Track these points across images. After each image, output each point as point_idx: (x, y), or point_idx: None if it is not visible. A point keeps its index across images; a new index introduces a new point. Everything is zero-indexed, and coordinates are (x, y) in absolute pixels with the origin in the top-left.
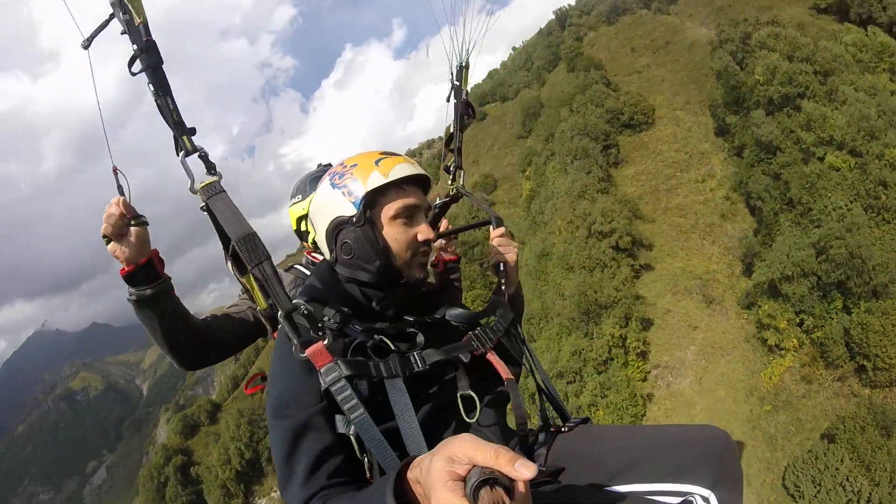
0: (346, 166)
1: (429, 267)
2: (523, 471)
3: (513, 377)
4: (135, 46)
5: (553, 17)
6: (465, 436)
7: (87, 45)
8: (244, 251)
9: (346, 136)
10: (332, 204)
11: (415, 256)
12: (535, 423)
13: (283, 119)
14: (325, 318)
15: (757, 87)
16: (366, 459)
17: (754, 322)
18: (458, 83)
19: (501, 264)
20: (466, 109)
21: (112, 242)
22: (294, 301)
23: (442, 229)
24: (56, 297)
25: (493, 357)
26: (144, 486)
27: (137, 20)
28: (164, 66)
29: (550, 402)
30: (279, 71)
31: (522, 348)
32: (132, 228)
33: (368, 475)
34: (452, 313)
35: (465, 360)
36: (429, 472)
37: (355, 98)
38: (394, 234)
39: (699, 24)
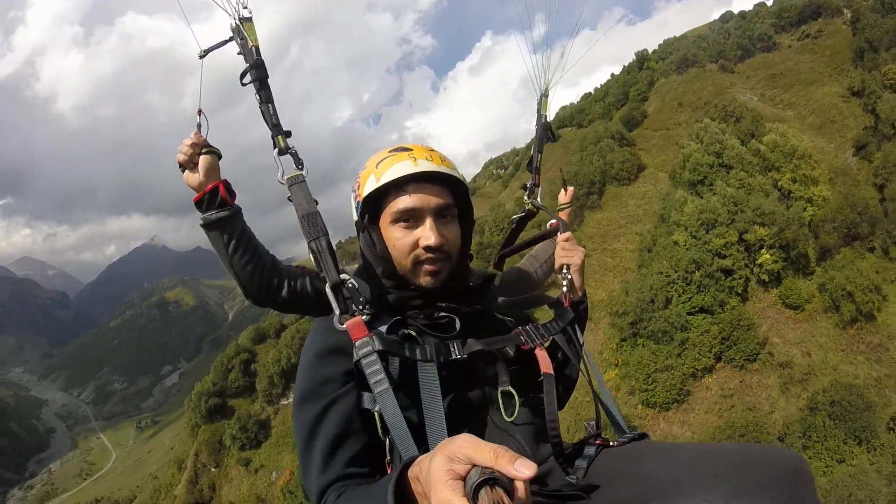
0: (365, 167)
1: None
2: (523, 470)
3: (552, 373)
4: (246, 63)
5: (634, 57)
6: (464, 436)
7: (202, 55)
8: (305, 226)
9: (470, 121)
10: (352, 207)
11: (417, 264)
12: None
13: (413, 94)
14: (364, 298)
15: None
16: (387, 440)
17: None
18: (539, 109)
19: (565, 267)
20: (546, 133)
21: (186, 171)
22: (342, 275)
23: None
24: (170, 218)
25: (540, 352)
26: (215, 368)
27: (251, 44)
28: (268, 80)
29: (606, 413)
30: (417, 48)
31: (580, 352)
32: (201, 157)
33: (389, 457)
34: (496, 303)
35: (510, 352)
36: (429, 472)
37: (485, 86)
38: (392, 239)
39: (749, 88)
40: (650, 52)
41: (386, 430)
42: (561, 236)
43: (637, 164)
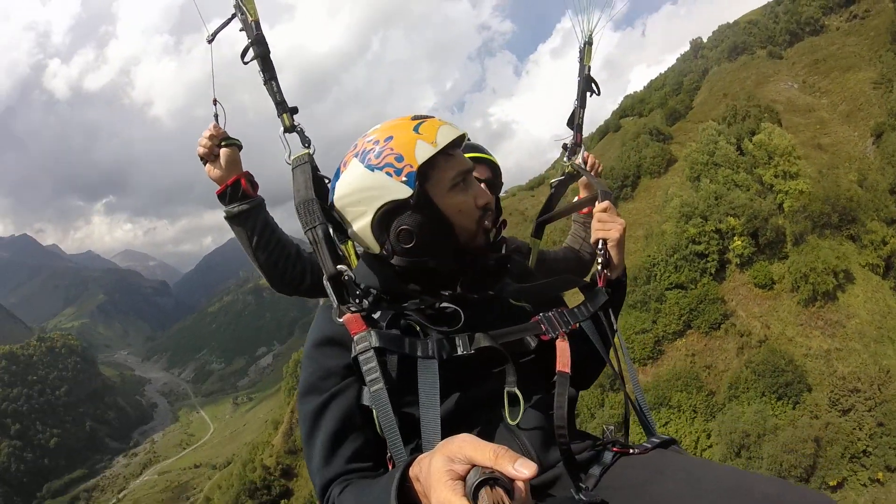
0: (377, 141)
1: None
2: (522, 470)
3: (569, 371)
4: (248, 40)
5: (689, 46)
6: (464, 435)
7: (211, 40)
8: (302, 214)
9: (555, 105)
10: (376, 189)
11: (479, 224)
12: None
13: (496, 79)
14: (368, 289)
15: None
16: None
17: None
18: (581, 60)
19: (601, 241)
20: (588, 85)
21: (207, 164)
22: (339, 266)
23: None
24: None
25: (562, 344)
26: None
27: (251, 18)
28: (270, 56)
29: (636, 412)
30: (497, 34)
31: (613, 340)
32: (221, 150)
33: (389, 453)
34: (510, 289)
35: (532, 344)
36: (429, 471)
37: (568, 68)
38: (456, 206)
39: (793, 76)
40: (704, 40)
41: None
42: (599, 205)
43: (668, 158)
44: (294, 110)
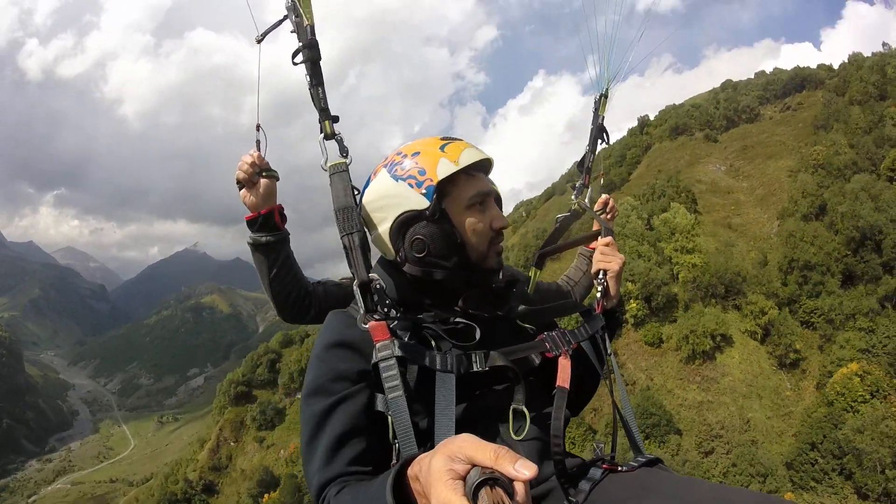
0: (405, 155)
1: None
2: (523, 471)
3: (567, 387)
4: (300, 43)
5: (636, 122)
6: (465, 435)
7: (260, 39)
8: (340, 220)
9: (516, 159)
10: (397, 197)
11: (492, 245)
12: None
13: (463, 128)
14: (391, 300)
15: None
16: (395, 445)
17: None
18: (596, 110)
19: (602, 272)
20: (600, 134)
21: (243, 189)
22: (371, 275)
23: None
24: (214, 227)
25: (564, 361)
26: (246, 362)
27: (306, 22)
28: (321, 63)
29: (625, 431)
30: (470, 84)
31: (608, 360)
32: (262, 180)
33: (395, 461)
34: (518, 310)
35: (536, 361)
36: (429, 470)
37: (533, 126)
38: (470, 224)
39: (722, 159)
40: (651, 117)
41: (395, 435)
42: (601, 240)
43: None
44: (335, 119)
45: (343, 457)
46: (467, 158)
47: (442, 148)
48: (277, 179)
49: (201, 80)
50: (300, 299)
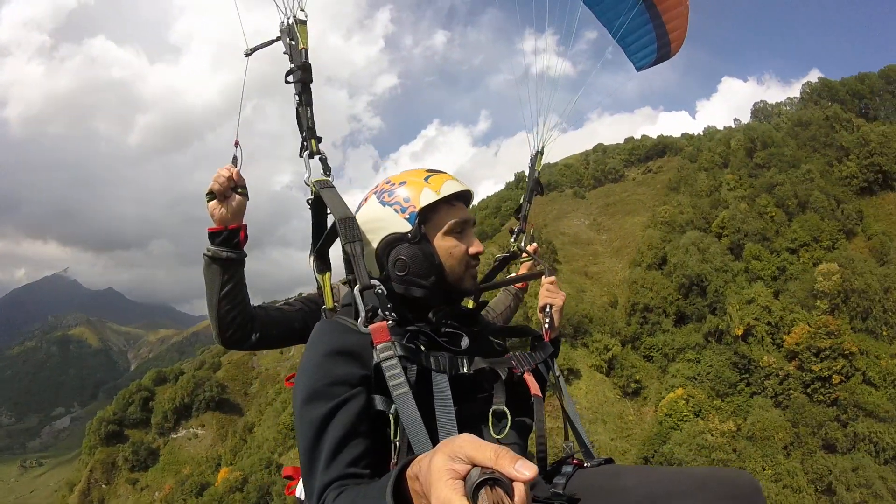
0: (393, 184)
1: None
2: (523, 471)
3: (541, 395)
4: (292, 64)
5: (513, 177)
6: (465, 435)
7: (249, 53)
8: (343, 229)
9: None
10: (384, 221)
11: (468, 269)
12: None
13: (355, 170)
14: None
15: None
16: (396, 443)
17: None
18: (532, 165)
19: (548, 307)
20: (537, 186)
21: (214, 200)
22: (372, 280)
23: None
24: (87, 252)
25: (528, 377)
26: (117, 400)
27: (301, 45)
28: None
29: (576, 438)
30: (365, 128)
31: (557, 380)
32: (236, 196)
33: (395, 460)
34: (491, 328)
35: (503, 374)
36: (429, 470)
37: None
38: (448, 248)
39: (587, 214)
40: (525, 173)
41: (400, 432)
42: (546, 279)
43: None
44: (319, 139)
45: (342, 460)
46: (448, 189)
47: (426, 179)
48: (248, 199)
49: (94, 93)
50: (244, 323)
